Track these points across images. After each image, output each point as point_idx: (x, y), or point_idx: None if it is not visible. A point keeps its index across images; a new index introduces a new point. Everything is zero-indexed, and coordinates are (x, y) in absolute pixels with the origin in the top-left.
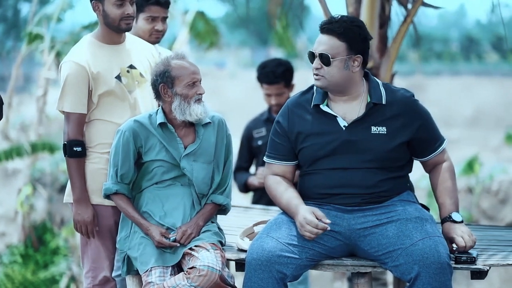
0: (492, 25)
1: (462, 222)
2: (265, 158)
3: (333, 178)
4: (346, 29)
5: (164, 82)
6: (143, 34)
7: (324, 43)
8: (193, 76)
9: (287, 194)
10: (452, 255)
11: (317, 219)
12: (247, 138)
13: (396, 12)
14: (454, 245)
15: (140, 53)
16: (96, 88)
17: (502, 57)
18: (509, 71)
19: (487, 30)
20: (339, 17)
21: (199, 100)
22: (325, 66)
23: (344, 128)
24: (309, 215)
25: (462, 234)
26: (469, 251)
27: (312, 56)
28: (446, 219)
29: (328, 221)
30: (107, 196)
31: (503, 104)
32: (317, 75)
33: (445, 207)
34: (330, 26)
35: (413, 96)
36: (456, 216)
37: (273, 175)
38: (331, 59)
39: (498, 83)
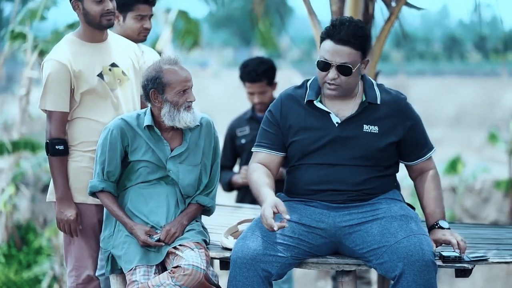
0: (475, 25)
1: (449, 229)
2: (253, 148)
3: (320, 174)
4: (360, 38)
5: (155, 88)
6: (131, 33)
7: (342, 53)
8: (184, 83)
9: (261, 182)
10: (437, 252)
11: (279, 213)
12: (231, 137)
13: (380, 11)
14: (439, 248)
15: (122, 52)
16: (78, 86)
17: (485, 56)
18: (491, 71)
19: (470, 30)
20: (347, 23)
21: (188, 108)
22: (343, 76)
23: (336, 125)
24: (268, 211)
25: (451, 235)
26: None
27: (325, 65)
28: (433, 226)
29: (288, 217)
30: (93, 194)
31: (486, 104)
32: (333, 85)
33: (433, 216)
34: (345, 37)
35: (406, 99)
36: (443, 224)
37: (257, 162)
38: (353, 70)
39: (480, 82)
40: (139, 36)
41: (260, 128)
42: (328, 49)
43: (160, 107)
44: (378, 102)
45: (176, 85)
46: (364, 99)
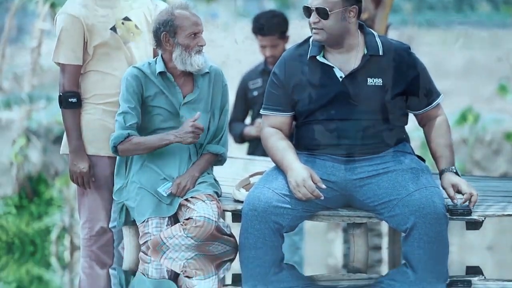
0: None
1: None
2: (261, 111)
3: (328, 129)
4: None
5: (166, 31)
6: None
7: None
8: (195, 27)
9: (282, 148)
10: (450, 205)
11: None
12: (243, 89)
13: None
14: (456, 195)
15: (135, 6)
16: (91, 39)
17: (495, 8)
18: (502, 22)
19: None
20: None
21: (199, 52)
22: (322, 19)
23: (340, 79)
24: (308, 179)
25: (467, 187)
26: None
27: (307, 10)
28: (446, 170)
29: (324, 186)
30: (115, 149)
31: (496, 55)
32: (315, 29)
33: (445, 159)
34: None
35: (409, 48)
36: (457, 170)
37: (270, 127)
38: (329, 12)
39: (490, 34)
40: None
41: (267, 90)
42: None
43: (171, 51)
44: (380, 53)
45: (187, 28)
46: (365, 51)
